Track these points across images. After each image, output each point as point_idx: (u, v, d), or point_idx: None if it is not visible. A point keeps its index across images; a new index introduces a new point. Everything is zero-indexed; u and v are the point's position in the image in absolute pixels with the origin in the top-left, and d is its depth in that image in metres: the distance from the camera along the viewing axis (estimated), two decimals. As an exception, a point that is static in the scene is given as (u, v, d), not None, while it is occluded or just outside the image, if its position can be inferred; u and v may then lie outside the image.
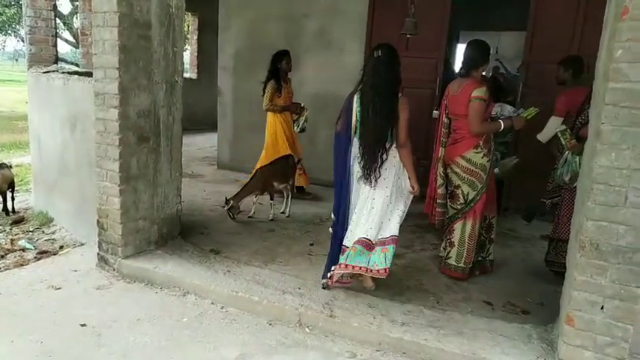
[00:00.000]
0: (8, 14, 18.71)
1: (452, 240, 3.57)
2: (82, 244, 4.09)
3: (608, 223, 2.23)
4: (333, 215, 3.31)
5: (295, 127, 5.43)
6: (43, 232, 4.51)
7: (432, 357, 2.62)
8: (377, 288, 3.31)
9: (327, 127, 5.31)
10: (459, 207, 3.52)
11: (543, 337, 2.73)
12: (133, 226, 3.54)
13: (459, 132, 3.50)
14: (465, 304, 3.20)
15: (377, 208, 3.07)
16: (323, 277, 3.28)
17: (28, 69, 5.13)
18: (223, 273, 3.38)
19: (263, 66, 6.61)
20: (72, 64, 14.37)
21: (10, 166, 5.31)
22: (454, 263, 3.56)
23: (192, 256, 3.64)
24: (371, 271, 3.08)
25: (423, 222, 4.43)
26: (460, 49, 10.32)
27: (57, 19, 7.39)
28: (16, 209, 5.14)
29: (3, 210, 5.03)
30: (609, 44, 2.27)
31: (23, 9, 5.18)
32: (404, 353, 2.67)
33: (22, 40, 18.43)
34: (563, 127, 3.36)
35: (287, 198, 5.00)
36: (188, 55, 12.66)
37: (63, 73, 4.67)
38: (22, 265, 3.72)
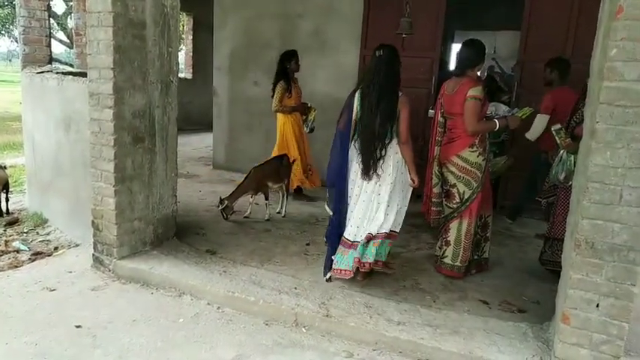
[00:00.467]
0: (2, 14, 18.64)
1: (448, 239, 3.57)
2: (77, 245, 4.07)
3: (604, 222, 2.24)
4: (328, 208, 3.48)
5: (305, 128, 5.42)
6: (37, 233, 4.49)
7: (429, 356, 2.63)
8: (372, 286, 3.32)
9: (323, 127, 5.32)
10: (454, 206, 3.53)
11: (539, 335, 2.74)
12: (128, 226, 3.53)
13: (455, 131, 3.51)
14: (461, 303, 3.21)
15: (383, 204, 3.22)
16: (325, 268, 3.41)
17: (22, 69, 5.10)
18: (219, 273, 3.37)
19: (258, 66, 6.66)
20: (66, 64, 14.31)
21: (4, 167, 5.28)
22: (450, 262, 3.57)
23: (188, 257, 3.63)
24: (377, 263, 3.28)
25: (418, 221, 4.44)
26: (455, 49, 10.36)
27: (51, 19, 7.34)
28: (10, 210, 5.10)
29: (-3, 211, 5.00)
30: (604, 43, 2.28)
31: (17, 9, 5.15)
32: (400, 352, 2.67)
33: (16, 41, 18.36)
34: (558, 125, 3.36)
35: (282, 198, 5.00)
36: (183, 55, 12.65)
37: (57, 73, 4.64)
38: (17, 266, 3.70)
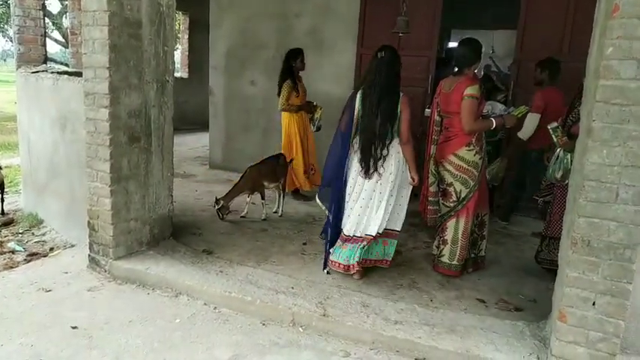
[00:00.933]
0: (-4, 14, 18.54)
1: (445, 238, 3.58)
2: (73, 246, 4.06)
3: (600, 220, 2.24)
4: (319, 202, 3.63)
5: (312, 127, 5.40)
6: (33, 233, 4.47)
7: (426, 355, 2.63)
8: (369, 286, 3.33)
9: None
10: (451, 205, 3.53)
11: (536, 333, 2.74)
12: (124, 226, 3.52)
13: (451, 130, 3.51)
14: (458, 302, 3.21)
15: (383, 202, 3.30)
16: (325, 262, 3.53)
17: (17, 69, 5.08)
18: (216, 273, 3.36)
19: (255, 65, 6.65)
20: (61, 63, 14.23)
21: (0, 168, 5.25)
22: (447, 261, 3.57)
23: (185, 257, 3.62)
24: (380, 261, 3.49)
25: (415, 220, 4.45)
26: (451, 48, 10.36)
27: (46, 18, 7.31)
28: (5, 211, 5.08)
29: (-8, 212, 4.97)
30: (600, 42, 2.28)
31: (11, 8, 5.13)
32: (397, 351, 2.67)
33: (11, 40, 18.24)
34: (555, 124, 3.37)
35: (279, 197, 4.99)
36: (179, 54, 12.60)
37: (52, 72, 4.63)
38: (12, 267, 3.68)
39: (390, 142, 3.28)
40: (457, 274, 3.56)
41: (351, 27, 5.97)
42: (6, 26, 19.01)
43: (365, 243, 3.36)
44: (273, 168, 4.82)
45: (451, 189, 3.52)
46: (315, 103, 5.39)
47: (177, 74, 11.40)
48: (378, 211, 3.33)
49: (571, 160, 3.12)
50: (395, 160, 3.30)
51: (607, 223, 2.23)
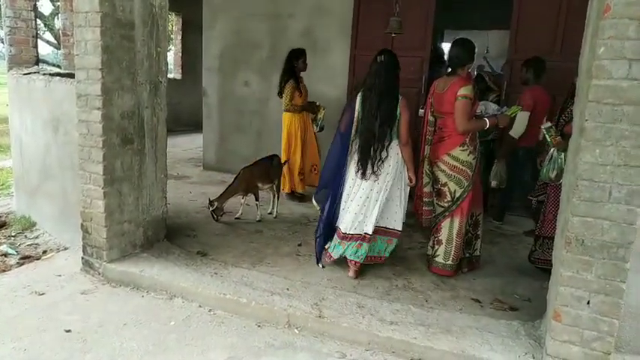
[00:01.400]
0: (-13, 15, 18.37)
1: (439, 238, 3.58)
2: (66, 249, 4.03)
3: (593, 219, 2.26)
4: (315, 202, 3.74)
5: (315, 127, 5.38)
6: (25, 236, 4.43)
7: (422, 355, 2.63)
8: (364, 287, 3.33)
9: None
10: (446, 205, 3.54)
11: (531, 333, 2.75)
12: (117, 229, 3.50)
13: (445, 130, 3.52)
14: (454, 302, 3.22)
15: (379, 202, 3.38)
16: (318, 259, 3.66)
17: (8, 70, 5.04)
18: (210, 275, 3.35)
19: (249, 66, 6.64)
20: (53, 65, 14.16)
21: (-9, 170, 5.21)
22: (442, 261, 3.57)
23: (179, 259, 3.60)
24: (379, 258, 3.59)
25: (410, 221, 4.43)
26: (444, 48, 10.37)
27: (37, 19, 7.26)
28: (-3, 214, 5.04)
29: (-16, 215, 4.93)
30: (592, 42, 2.30)
31: (2, 9, 5.09)
32: (393, 352, 2.67)
33: (2, 42, 18.12)
34: (549, 124, 3.38)
35: (274, 198, 4.98)
36: (172, 56, 12.56)
37: (44, 74, 4.59)
38: (4, 270, 3.65)
39: (389, 144, 3.36)
40: (452, 273, 3.57)
41: (344, 28, 5.98)
42: (-3, 28, 18.86)
43: (365, 242, 3.41)
44: (267, 169, 4.81)
45: (445, 189, 3.52)
46: (318, 103, 5.38)
47: (170, 75, 11.38)
48: (375, 209, 3.38)
49: (565, 160, 3.13)
50: (394, 160, 3.39)
51: (600, 222, 2.24)
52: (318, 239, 3.65)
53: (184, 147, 9.18)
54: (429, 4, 5.56)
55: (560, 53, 4.92)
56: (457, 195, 3.49)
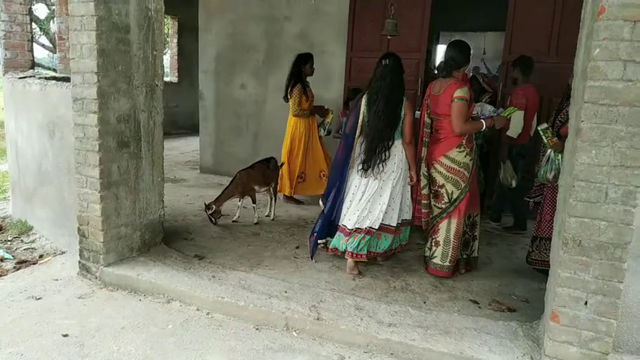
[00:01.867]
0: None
1: (437, 239, 3.59)
2: (63, 253, 4.01)
3: (590, 220, 2.26)
4: (321, 202, 3.85)
5: (322, 131, 5.37)
6: (22, 241, 4.41)
7: (420, 357, 2.63)
8: (362, 289, 3.33)
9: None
10: (443, 206, 3.54)
11: (529, 334, 2.75)
12: (114, 233, 3.48)
13: (442, 132, 3.53)
14: (452, 304, 3.22)
15: (384, 197, 3.52)
16: (312, 252, 3.79)
17: (4, 74, 5.02)
18: (208, 278, 3.34)
19: (245, 69, 6.65)
20: (49, 69, 14.14)
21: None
22: (440, 262, 3.58)
23: (176, 262, 3.59)
24: (379, 254, 3.71)
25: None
26: (440, 50, 10.42)
27: (33, 23, 7.25)
28: (-7, 218, 5.01)
29: (-20, 219, 4.90)
30: (587, 43, 2.31)
31: (-3, 14, 5.07)
32: (392, 354, 2.67)
33: (-3, 46, 18.01)
34: (545, 125, 3.39)
35: (271, 201, 4.97)
36: (168, 59, 12.55)
37: (40, 78, 4.57)
38: (1, 275, 3.63)
39: (393, 144, 3.48)
40: (448, 274, 3.58)
41: (340, 30, 5.99)
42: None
43: (369, 236, 3.54)
44: (264, 172, 4.81)
45: (443, 190, 3.53)
46: (326, 107, 5.38)
47: (166, 78, 11.37)
48: (379, 207, 3.52)
49: (562, 161, 3.14)
50: (398, 159, 3.52)
51: (597, 222, 2.25)
52: (315, 234, 3.74)
53: (181, 150, 9.18)
54: (424, 6, 5.58)
55: (556, 55, 4.94)
56: (454, 196, 3.50)
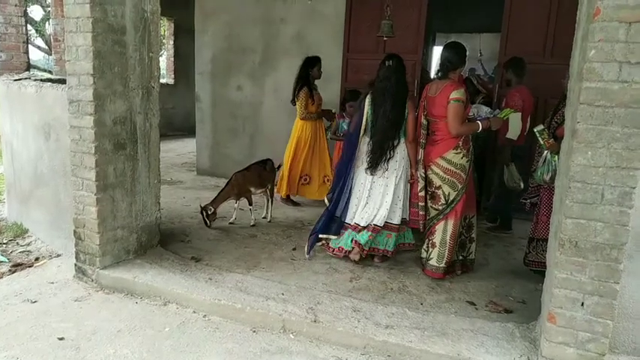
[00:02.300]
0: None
1: (433, 241, 3.59)
2: (59, 256, 3.99)
3: (586, 221, 2.27)
4: (327, 199, 3.97)
5: (329, 135, 5.36)
6: (17, 243, 4.39)
7: (417, 359, 2.63)
8: (360, 290, 3.33)
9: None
10: (440, 208, 3.55)
11: (526, 335, 2.75)
12: (110, 235, 3.47)
13: (438, 133, 3.53)
14: (449, 305, 3.22)
15: (388, 195, 3.66)
16: (311, 246, 3.85)
17: (-1, 77, 5.01)
18: (205, 281, 3.33)
19: (241, 70, 6.64)
20: (45, 70, 14.08)
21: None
22: (435, 264, 3.58)
23: (173, 265, 3.58)
24: (385, 250, 3.80)
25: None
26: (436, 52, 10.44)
27: (28, 25, 7.22)
28: (-12, 221, 4.99)
29: (-25, 222, 4.88)
30: (582, 44, 2.32)
31: (-7, 15, 5.05)
32: (389, 356, 2.67)
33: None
34: (541, 126, 3.40)
35: (267, 203, 4.96)
36: (164, 60, 12.53)
37: (35, 80, 4.56)
38: (-4, 278, 3.61)
39: (399, 143, 3.62)
40: (442, 276, 3.57)
41: (336, 32, 6.00)
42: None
43: (374, 233, 3.67)
44: (260, 173, 4.79)
45: (439, 192, 3.53)
46: (333, 111, 5.38)
47: (163, 80, 11.35)
48: (384, 204, 3.66)
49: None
50: (400, 157, 3.65)
51: (593, 223, 2.26)
52: (317, 229, 3.85)
53: (177, 152, 9.16)
54: (420, 7, 5.59)
55: (551, 56, 4.96)
56: (451, 198, 3.50)
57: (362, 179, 3.74)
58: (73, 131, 3.33)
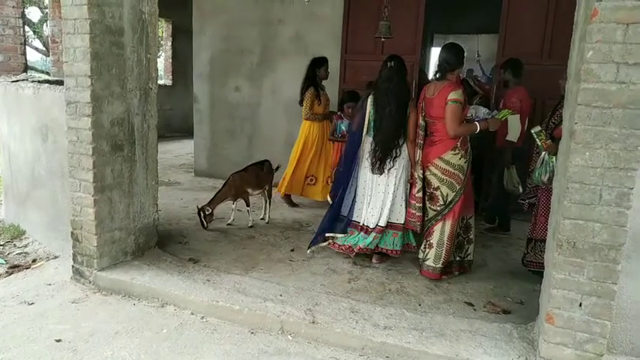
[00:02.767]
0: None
1: (431, 241, 3.59)
2: (56, 257, 3.98)
3: (584, 222, 2.27)
4: (329, 197, 4.01)
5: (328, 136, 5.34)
6: (14, 245, 4.38)
7: (415, 359, 2.63)
8: (358, 291, 3.33)
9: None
10: (438, 208, 3.55)
11: (524, 335, 2.75)
12: (108, 237, 3.46)
13: (436, 134, 3.53)
14: (447, 306, 3.22)
15: (390, 194, 3.70)
16: (313, 242, 3.90)
17: (-4, 78, 4.99)
18: (203, 282, 3.32)
19: (239, 71, 6.64)
20: (42, 72, 14.06)
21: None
22: (432, 264, 3.58)
23: (171, 266, 3.58)
24: (389, 250, 3.80)
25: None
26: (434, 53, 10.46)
27: (26, 26, 7.22)
28: (-15, 223, 4.97)
29: (-28, 224, 4.86)
30: (580, 45, 2.32)
31: (-10, 17, 5.04)
32: (387, 357, 2.66)
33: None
34: (539, 127, 3.40)
35: (265, 204, 4.96)
36: (162, 62, 12.52)
37: (33, 81, 4.55)
38: (-7, 280, 3.60)
39: (403, 143, 3.66)
40: (439, 276, 3.57)
41: (335, 33, 6.01)
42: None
43: (376, 234, 3.70)
44: (257, 174, 4.79)
45: (438, 193, 3.53)
46: (339, 113, 5.37)
47: (161, 81, 11.34)
48: (386, 203, 3.70)
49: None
50: (401, 157, 3.68)
51: (591, 224, 2.26)
52: (324, 228, 3.87)
53: (175, 153, 9.15)
54: (418, 9, 5.60)
55: (549, 57, 4.97)
56: (449, 199, 3.50)
57: (365, 178, 3.77)
58: (71, 133, 3.33)
